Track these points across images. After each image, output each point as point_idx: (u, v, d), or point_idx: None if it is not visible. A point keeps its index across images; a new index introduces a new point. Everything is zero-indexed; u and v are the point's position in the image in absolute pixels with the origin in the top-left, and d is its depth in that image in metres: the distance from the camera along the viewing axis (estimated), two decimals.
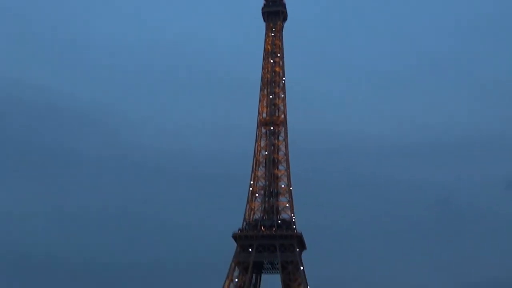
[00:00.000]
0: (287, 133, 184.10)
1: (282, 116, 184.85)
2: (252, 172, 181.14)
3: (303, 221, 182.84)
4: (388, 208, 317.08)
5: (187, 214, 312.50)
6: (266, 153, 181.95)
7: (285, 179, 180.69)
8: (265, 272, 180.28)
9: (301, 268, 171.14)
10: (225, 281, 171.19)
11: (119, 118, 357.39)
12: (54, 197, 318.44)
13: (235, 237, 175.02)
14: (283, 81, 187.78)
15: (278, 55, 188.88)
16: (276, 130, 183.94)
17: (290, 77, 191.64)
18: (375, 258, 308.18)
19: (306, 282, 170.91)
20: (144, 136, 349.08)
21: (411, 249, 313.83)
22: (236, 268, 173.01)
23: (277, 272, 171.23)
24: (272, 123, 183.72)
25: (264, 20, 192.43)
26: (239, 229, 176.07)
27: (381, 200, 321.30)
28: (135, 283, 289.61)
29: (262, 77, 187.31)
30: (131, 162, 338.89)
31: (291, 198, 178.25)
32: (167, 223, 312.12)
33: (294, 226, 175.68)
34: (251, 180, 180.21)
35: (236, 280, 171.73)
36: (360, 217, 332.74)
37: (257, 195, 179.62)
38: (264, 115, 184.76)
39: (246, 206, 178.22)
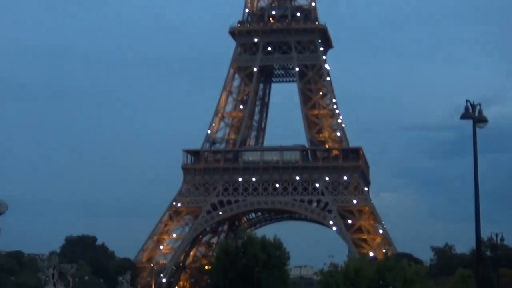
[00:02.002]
0: None
1: None
2: None
3: (326, 9, 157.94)
4: None
5: None
6: None
7: None
8: (276, 81, 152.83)
9: (326, 73, 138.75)
10: (221, 93, 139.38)
11: None
12: None
13: (234, 32, 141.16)
14: None
15: None
16: None
17: None
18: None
19: (333, 92, 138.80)
20: None
21: None
22: (236, 75, 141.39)
23: (293, 80, 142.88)
24: None
25: None
26: (239, 22, 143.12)
27: None
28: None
29: None
30: None
31: None
32: None
33: (315, 16, 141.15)
34: None
35: (237, 91, 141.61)
36: None
37: None
38: None
39: None
